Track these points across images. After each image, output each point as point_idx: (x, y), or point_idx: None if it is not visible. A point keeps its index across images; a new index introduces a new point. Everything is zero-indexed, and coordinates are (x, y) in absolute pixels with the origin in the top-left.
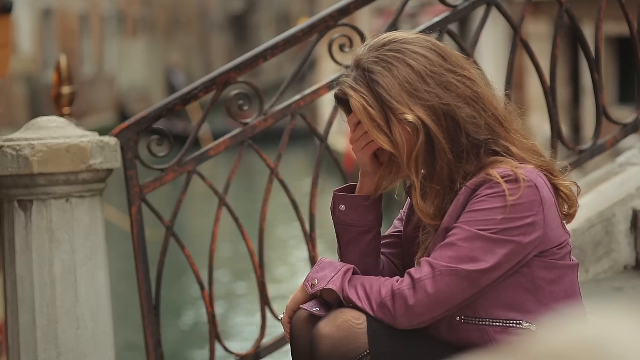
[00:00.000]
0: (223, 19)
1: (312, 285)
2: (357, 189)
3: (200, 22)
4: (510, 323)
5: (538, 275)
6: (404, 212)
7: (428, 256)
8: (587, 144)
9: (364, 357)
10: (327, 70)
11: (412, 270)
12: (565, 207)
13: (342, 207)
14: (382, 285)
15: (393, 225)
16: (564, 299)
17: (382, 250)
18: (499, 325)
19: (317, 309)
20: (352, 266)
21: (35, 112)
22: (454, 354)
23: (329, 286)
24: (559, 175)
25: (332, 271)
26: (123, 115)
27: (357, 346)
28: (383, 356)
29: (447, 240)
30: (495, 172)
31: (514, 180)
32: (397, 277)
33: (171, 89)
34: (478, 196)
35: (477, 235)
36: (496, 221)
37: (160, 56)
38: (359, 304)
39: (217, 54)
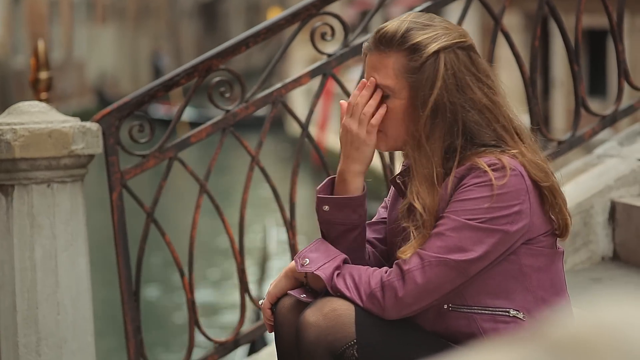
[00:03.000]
0: (193, 7)
1: (303, 265)
2: (339, 187)
3: (169, 9)
4: (498, 311)
5: (525, 262)
6: (388, 200)
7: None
8: (566, 135)
9: (350, 347)
10: (298, 60)
11: (400, 261)
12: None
13: (326, 207)
14: (372, 276)
15: (378, 213)
16: (551, 287)
17: (368, 236)
18: (487, 313)
19: (304, 295)
20: (344, 256)
21: (3, 97)
22: (441, 343)
23: (317, 272)
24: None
25: (325, 257)
26: (102, 99)
27: (344, 335)
28: (370, 346)
29: (435, 230)
30: (482, 161)
31: (500, 168)
32: (385, 268)
33: (157, 72)
34: (465, 185)
35: (466, 225)
36: (483, 210)
37: (129, 43)
38: (347, 294)
39: (186, 41)
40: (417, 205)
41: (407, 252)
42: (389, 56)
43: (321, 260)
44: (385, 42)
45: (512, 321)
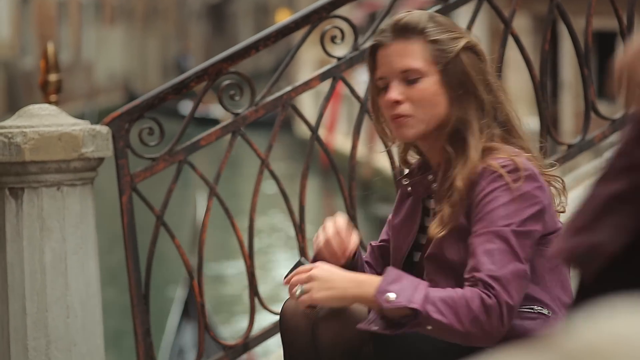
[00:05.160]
0: (201, 8)
1: (389, 301)
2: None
3: (178, 10)
4: (523, 308)
5: (537, 262)
6: (391, 210)
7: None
8: (576, 138)
9: (366, 343)
10: (306, 62)
11: (489, 283)
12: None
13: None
14: (468, 299)
15: (381, 235)
16: (562, 289)
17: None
18: None
19: (377, 327)
20: (426, 282)
21: (12, 98)
22: (456, 347)
23: (413, 307)
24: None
25: (409, 286)
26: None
27: (360, 332)
28: (386, 349)
29: (481, 248)
30: (495, 163)
31: (514, 170)
32: (471, 289)
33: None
34: (485, 193)
35: (506, 231)
36: (514, 212)
37: (138, 44)
38: (445, 320)
39: (194, 42)
40: (459, 183)
41: (439, 231)
42: (414, 43)
43: (407, 292)
44: (410, 30)
45: (537, 317)
